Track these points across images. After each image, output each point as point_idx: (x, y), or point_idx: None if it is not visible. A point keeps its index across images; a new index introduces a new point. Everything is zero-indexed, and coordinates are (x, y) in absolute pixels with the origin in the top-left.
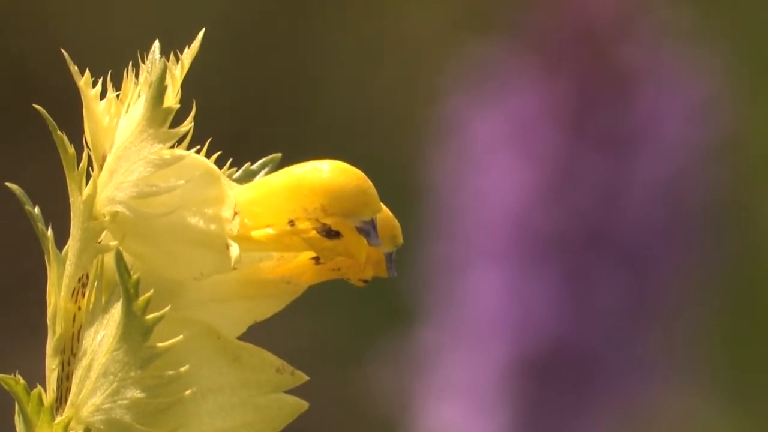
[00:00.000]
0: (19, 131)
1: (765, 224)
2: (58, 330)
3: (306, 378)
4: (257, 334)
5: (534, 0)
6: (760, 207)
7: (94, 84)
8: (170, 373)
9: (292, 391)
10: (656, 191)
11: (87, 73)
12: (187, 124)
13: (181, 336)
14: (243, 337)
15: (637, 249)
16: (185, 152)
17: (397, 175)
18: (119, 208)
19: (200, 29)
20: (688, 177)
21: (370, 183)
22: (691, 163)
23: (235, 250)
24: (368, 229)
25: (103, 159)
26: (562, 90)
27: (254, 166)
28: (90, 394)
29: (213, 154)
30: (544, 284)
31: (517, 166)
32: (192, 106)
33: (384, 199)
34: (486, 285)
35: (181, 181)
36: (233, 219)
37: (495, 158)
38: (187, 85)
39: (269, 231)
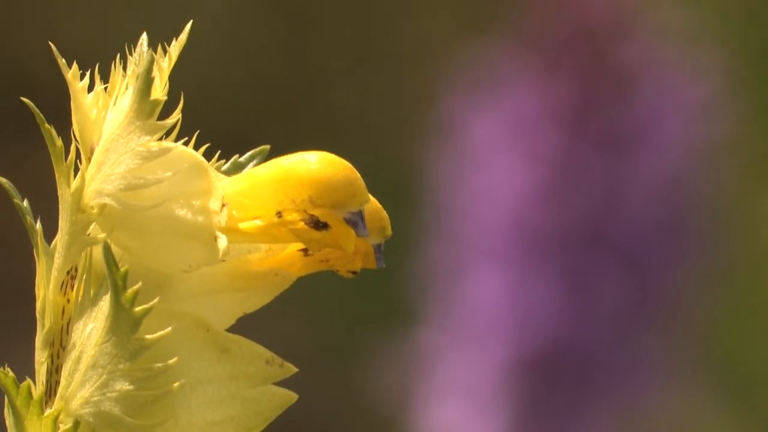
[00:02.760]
0: (15, 128)
1: (764, 224)
2: (47, 323)
3: (295, 370)
4: (256, 335)
5: (534, 1)
6: (759, 207)
7: (83, 77)
8: (159, 365)
9: (292, 389)
10: (656, 191)
11: (75, 65)
12: (175, 116)
13: (169, 328)
14: (237, 334)
15: (637, 249)
16: (173, 144)
17: (396, 175)
18: (107, 200)
19: (199, 27)
20: (687, 177)
21: (358, 174)
22: (690, 162)
23: (223, 241)
24: (356, 220)
25: (91, 151)
26: (562, 90)
27: (242, 158)
28: (79, 387)
29: (203, 146)
30: (544, 284)
31: (516, 166)
32: (180, 100)
33: (383, 199)
34: (486, 285)
35: (169, 173)
36: (221, 211)
37: (495, 158)
38: (183, 80)
39: (257, 222)
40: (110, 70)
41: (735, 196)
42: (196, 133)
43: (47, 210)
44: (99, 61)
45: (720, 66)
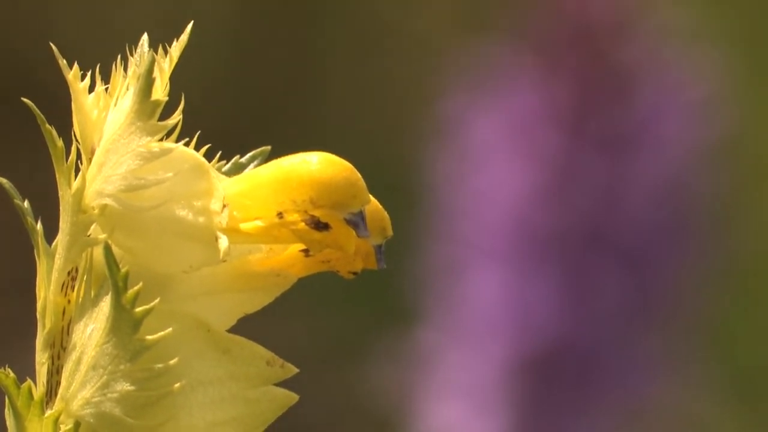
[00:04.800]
0: (16, 126)
1: (765, 224)
2: (48, 324)
3: (296, 370)
4: (256, 334)
5: (534, 0)
6: (759, 207)
7: (84, 77)
8: (160, 366)
9: (293, 389)
10: (656, 191)
11: (75, 66)
12: (176, 117)
13: (170, 329)
14: (238, 333)
15: (637, 249)
16: (174, 145)
17: (396, 175)
18: (108, 201)
19: (199, 26)
20: (687, 177)
21: (359, 175)
22: (690, 163)
23: (223, 242)
24: (357, 221)
25: (92, 152)
26: (562, 90)
27: (243, 159)
28: (80, 388)
29: (204, 146)
30: (544, 284)
31: (517, 166)
32: (181, 100)
33: (383, 199)
34: (485, 284)
35: (170, 174)
36: (222, 211)
37: (495, 158)
38: (184, 81)
39: (258, 223)
40: (109, 67)
41: (735, 196)
42: (197, 134)
43: (45, 210)
44: (98, 58)
45: (720, 66)
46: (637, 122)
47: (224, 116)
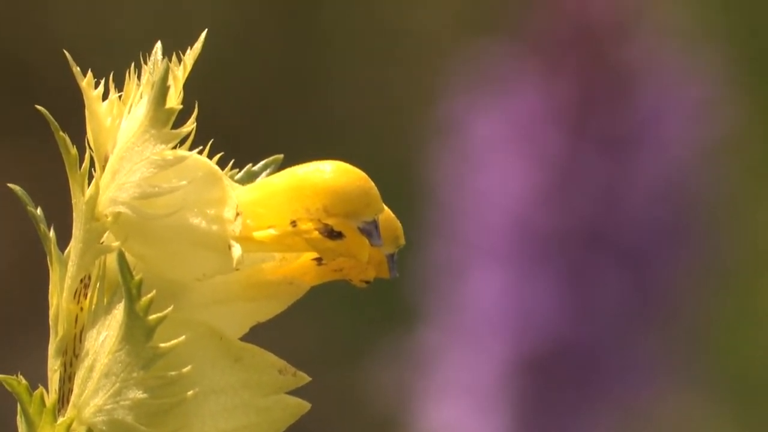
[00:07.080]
0: (22, 132)
1: (764, 224)
2: (60, 331)
3: (308, 379)
4: (259, 334)
5: (535, 1)
6: (759, 207)
7: (97, 85)
8: (172, 373)
9: (294, 391)
10: (656, 191)
11: (89, 74)
12: (190, 125)
13: (183, 337)
14: (245, 338)
15: (638, 249)
16: (187, 153)
17: (397, 176)
18: (122, 209)
19: (201, 29)
20: (688, 177)
21: (372, 184)
22: (690, 163)
23: (237, 250)
24: (370, 230)
25: (106, 160)
26: (563, 90)
27: (256, 167)
28: (92, 395)
29: (215, 154)
30: (545, 284)
31: (518, 167)
32: (194, 107)
33: (385, 199)
34: (486, 285)
35: (184, 182)
36: (235, 220)
37: (496, 158)
38: (188, 86)
39: (271, 232)
40: (108, 65)
41: (735, 196)
42: (210, 141)
43: (55, 210)
44: (97, 57)
45: (720, 66)
46: (637, 122)
47: (222, 118)
